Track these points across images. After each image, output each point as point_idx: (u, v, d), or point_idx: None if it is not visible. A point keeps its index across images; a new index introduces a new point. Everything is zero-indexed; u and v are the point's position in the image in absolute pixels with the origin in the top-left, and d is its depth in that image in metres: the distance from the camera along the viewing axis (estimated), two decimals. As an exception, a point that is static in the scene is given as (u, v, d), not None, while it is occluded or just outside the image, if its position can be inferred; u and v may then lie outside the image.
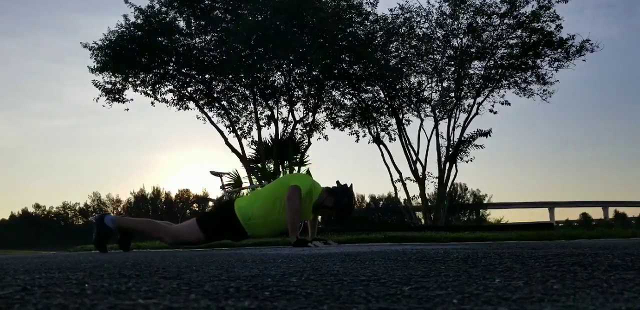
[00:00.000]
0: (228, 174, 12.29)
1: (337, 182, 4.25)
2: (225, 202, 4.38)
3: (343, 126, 18.69)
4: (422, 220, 20.57)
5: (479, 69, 18.05)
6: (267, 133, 19.07)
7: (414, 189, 30.02)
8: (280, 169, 16.75)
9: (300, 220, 4.22)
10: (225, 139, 17.18)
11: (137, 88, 16.84)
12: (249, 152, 17.20)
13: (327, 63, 16.17)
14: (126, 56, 15.75)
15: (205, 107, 17.59)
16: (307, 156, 17.27)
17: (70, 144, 66.44)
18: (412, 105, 18.48)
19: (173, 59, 16.62)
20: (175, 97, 17.52)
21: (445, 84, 18.20)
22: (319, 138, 18.44)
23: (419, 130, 18.43)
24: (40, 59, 64.26)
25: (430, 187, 18.77)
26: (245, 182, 14.88)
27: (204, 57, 16.69)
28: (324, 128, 18.50)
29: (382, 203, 42.59)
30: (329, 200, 4.14)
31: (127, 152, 68.56)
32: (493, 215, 43.66)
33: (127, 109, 17.09)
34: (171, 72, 16.96)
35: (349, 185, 4.23)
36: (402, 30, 17.51)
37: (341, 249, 3.19)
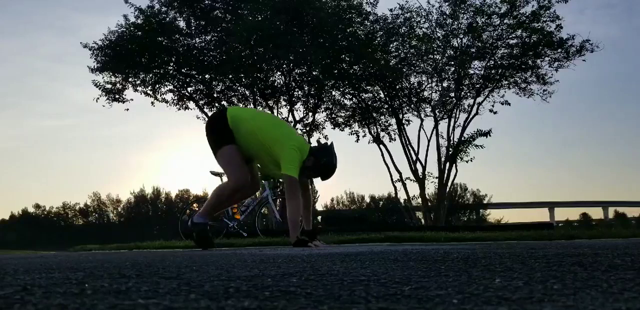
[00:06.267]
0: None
1: (318, 141, 4.18)
2: (217, 111, 4.33)
3: (343, 126, 18.69)
4: (422, 220, 20.58)
5: (479, 69, 18.09)
6: (267, 133, 19.00)
7: (414, 189, 30.06)
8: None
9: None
10: (226, 139, 17.18)
11: (137, 88, 16.87)
12: (249, 152, 17.20)
13: (327, 63, 16.17)
14: (126, 56, 15.77)
15: (205, 107, 17.61)
16: (307, 156, 17.28)
17: (70, 144, 66.41)
18: (412, 105, 18.49)
19: (173, 59, 16.63)
20: (175, 97, 17.56)
21: (445, 84, 18.24)
22: (319, 138, 18.46)
23: (419, 130, 18.47)
24: (40, 59, 64.29)
25: (430, 187, 18.82)
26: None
27: (204, 57, 16.70)
28: (324, 128, 18.51)
29: (382, 203, 42.47)
30: (309, 160, 3.98)
31: (127, 152, 68.52)
32: (493, 215, 43.59)
33: (127, 109, 17.15)
34: (171, 72, 16.97)
35: (329, 144, 4.10)
36: (402, 30, 17.53)
37: (341, 249, 3.19)
